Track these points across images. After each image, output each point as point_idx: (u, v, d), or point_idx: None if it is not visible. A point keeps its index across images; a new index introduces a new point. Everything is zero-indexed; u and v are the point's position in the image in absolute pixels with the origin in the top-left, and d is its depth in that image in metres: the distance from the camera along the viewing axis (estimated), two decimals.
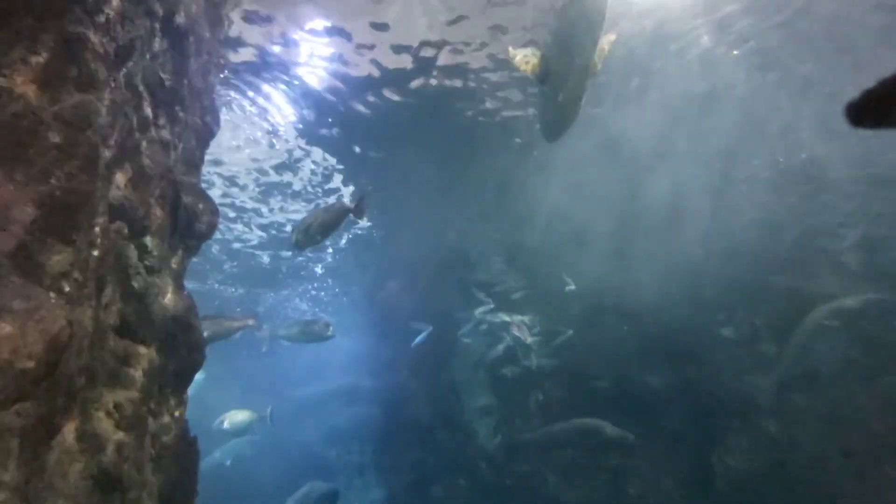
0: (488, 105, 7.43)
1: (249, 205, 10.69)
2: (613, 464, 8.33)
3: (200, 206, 4.67)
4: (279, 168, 9.33)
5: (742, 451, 7.41)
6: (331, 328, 8.91)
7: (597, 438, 8.06)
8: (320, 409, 16.31)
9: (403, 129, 7.97)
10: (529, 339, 10.05)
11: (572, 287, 9.10)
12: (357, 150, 8.68)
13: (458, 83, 7.05)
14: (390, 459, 12.12)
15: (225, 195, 10.35)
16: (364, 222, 10.12)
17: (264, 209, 10.90)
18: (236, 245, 12.69)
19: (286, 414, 17.16)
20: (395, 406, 12.40)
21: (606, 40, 5.73)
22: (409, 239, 11.44)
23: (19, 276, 1.98)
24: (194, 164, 4.89)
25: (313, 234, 5.98)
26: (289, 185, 9.89)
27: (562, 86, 3.64)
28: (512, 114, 7.63)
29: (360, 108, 7.56)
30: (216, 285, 15.52)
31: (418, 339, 10.48)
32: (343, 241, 12.65)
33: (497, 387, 10.70)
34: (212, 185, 9.84)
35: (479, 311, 11.00)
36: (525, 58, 3.60)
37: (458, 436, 10.67)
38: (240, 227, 11.75)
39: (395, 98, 7.37)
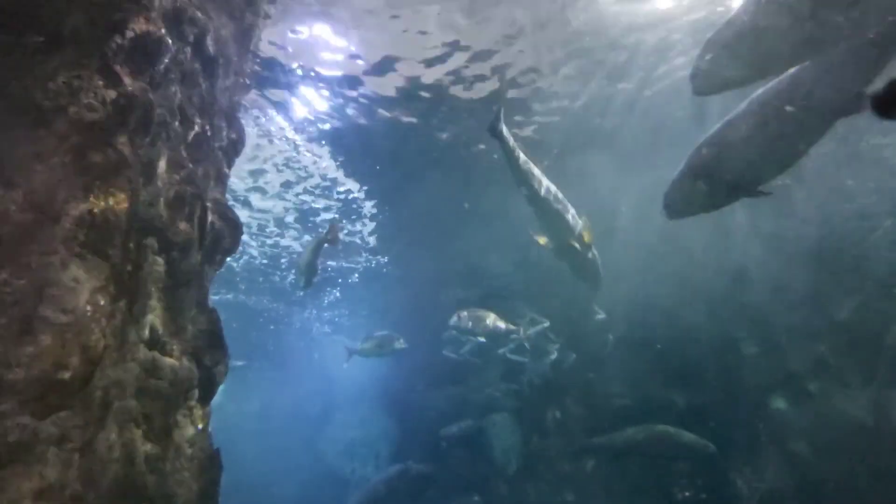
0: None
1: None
2: (632, 481, 8.11)
3: (226, 222, 4.80)
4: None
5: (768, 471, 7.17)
6: (402, 341, 9.93)
7: (673, 445, 7.70)
8: (335, 424, 16.35)
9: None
10: (552, 355, 9.96)
11: (602, 316, 8.88)
12: (375, 167, 8.87)
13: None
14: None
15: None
16: (339, 247, 10.85)
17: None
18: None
19: (305, 424, 17.22)
20: (411, 421, 12.34)
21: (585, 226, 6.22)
22: (427, 262, 11.58)
23: (58, 290, 2.08)
24: (221, 181, 5.05)
25: (304, 272, 6.86)
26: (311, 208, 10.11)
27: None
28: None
29: (374, 126, 7.73)
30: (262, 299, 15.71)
31: (465, 349, 10.55)
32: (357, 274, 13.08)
33: (514, 403, 10.59)
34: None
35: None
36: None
37: (474, 452, 10.54)
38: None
39: (411, 120, 7.54)
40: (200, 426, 3.42)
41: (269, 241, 12.34)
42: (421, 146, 8.13)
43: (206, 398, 3.60)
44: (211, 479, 3.09)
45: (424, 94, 7.02)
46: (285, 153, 8.68)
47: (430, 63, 6.53)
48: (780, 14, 2.76)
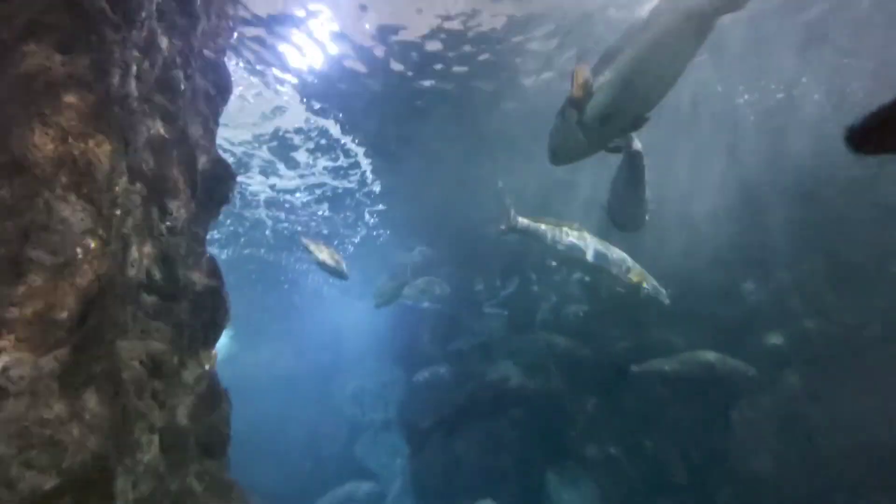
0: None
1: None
2: (632, 415, 8.44)
3: (218, 170, 4.74)
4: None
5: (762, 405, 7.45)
6: (443, 285, 10.35)
7: (720, 369, 7.64)
8: (346, 371, 16.98)
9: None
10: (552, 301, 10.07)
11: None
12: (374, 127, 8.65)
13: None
14: (412, 416, 12.63)
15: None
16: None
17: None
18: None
19: (312, 376, 17.95)
20: (417, 368, 12.77)
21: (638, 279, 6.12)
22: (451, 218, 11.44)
23: (46, 233, 2.07)
24: (208, 128, 4.93)
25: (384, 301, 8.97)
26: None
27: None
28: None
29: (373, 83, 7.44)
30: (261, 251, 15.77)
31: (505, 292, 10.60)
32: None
33: (516, 349, 10.83)
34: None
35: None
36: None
37: (481, 390, 10.87)
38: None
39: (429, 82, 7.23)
40: (207, 366, 3.54)
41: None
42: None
43: (210, 341, 3.70)
44: (221, 413, 3.23)
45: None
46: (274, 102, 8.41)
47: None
48: None
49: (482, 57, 7.12)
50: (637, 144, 4.93)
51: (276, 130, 9.17)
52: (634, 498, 8.26)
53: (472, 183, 10.08)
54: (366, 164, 10.46)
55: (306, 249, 7.84)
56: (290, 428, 15.79)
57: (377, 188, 11.58)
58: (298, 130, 9.24)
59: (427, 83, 7.70)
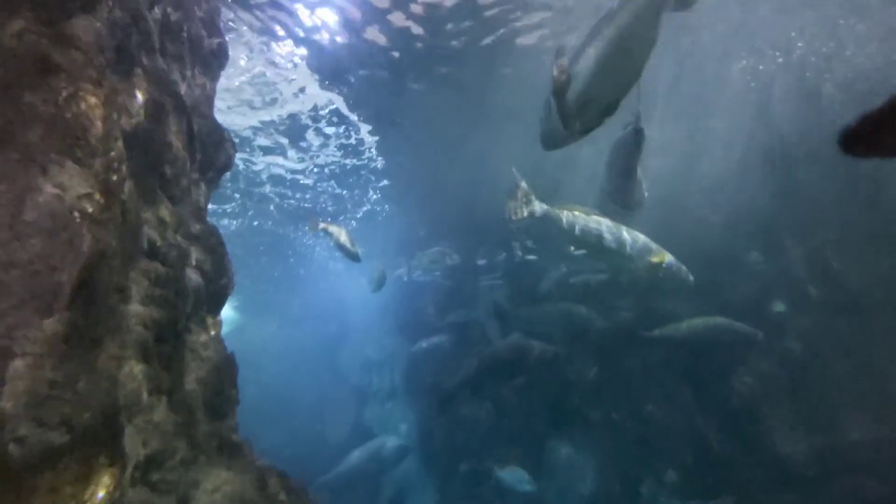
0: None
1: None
2: (635, 381, 8.57)
3: (216, 137, 4.67)
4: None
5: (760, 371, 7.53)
6: (454, 255, 10.67)
7: (730, 333, 7.68)
8: (352, 341, 17.27)
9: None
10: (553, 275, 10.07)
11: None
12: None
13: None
14: (417, 384, 12.90)
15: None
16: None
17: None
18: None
19: (320, 346, 18.29)
20: (421, 339, 12.94)
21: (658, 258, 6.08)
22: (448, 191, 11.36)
23: (42, 196, 2.06)
24: (206, 94, 4.84)
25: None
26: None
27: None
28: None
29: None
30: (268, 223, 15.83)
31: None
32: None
33: (526, 318, 10.89)
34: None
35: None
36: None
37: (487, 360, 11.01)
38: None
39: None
40: (213, 332, 3.59)
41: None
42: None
43: (215, 308, 3.74)
44: (228, 376, 3.29)
45: None
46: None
47: None
48: None
49: (488, 13, 6.88)
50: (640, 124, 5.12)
51: (284, 106, 9.07)
52: (635, 460, 8.48)
53: (474, 156, 9.96)
54: (370, 140, 10.41)
55: (326, 232, 8.44)
56: (299, 396, 16.21)
57: (381, 164, 11.55)
58: (309, 108, 9.20)
59: (435, 46, 7.50)
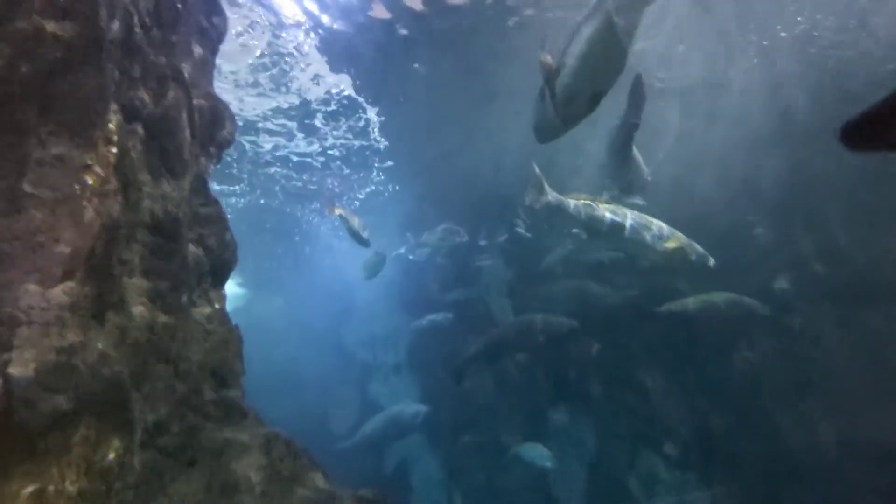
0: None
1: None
2: (636, 357, 8.65)
3: (216, 111, 4.64)
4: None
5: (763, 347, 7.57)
6: (462, 232, 10.83)
7: (740, 307, 7.68)
8: (357, 318, 17.50)
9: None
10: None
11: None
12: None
13: None
14: (420, 360, 13.10)
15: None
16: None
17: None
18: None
19: (325, 323, 18.54)
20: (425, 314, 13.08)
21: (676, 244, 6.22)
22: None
23: (41, 167, 2.07)
24: (204, 68, 4.78)
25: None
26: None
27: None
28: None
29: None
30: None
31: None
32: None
33: (513, 299, 10.96)
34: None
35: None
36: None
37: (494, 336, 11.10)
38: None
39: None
40: (217, 306, 3.64)
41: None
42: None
43: (219, 282, 3.78)
44: (234, 348, 3.35)
45: None
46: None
47: None
48: None
49: None
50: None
51: (293, 87, 9.06)
52: (635, 432, 8.64)
53: (479, 135, 9.85)
54: (375, 120, 10.42)
55: (341, 218, 8.92)
56: (305, 370, 16.54)
57: (385, 145, 11.55)
58: (318, 91, 9.21)
59: (441, 22, 7.35)
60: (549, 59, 3.43)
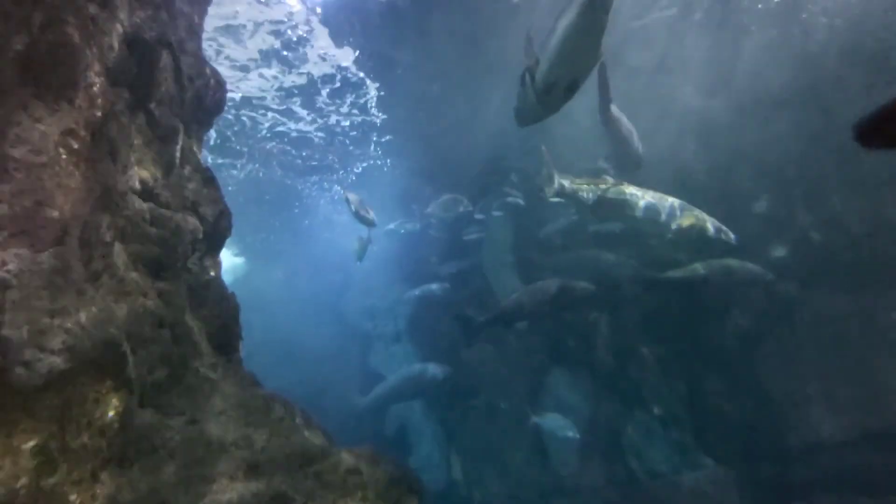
0: None
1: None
2: (632, 326, 8.77)
3: (205, 77, 4.53)
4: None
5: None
6: (466, 202, 10.90)
7: (742, 273, 7.62)
8: (357, 289, 17.64)
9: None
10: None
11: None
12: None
13: None
14: (420, 329, 13.28)
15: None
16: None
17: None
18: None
19: (326, 294, 18.71)
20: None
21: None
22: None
23: (23, 131, 2.03)
24: (193, 30, 4.63)
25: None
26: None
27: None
28: None
29: None
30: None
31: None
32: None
33: (522, 268, 10.97)
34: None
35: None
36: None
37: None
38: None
39: None
40: (213, 273, 3.66)
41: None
42: None
43: (213, 249, 3.79)
44: (231, 313, 3.39)
45: None
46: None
47: None
48: None
49: None
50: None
51: (294, 60, 8.88)
52: (629, 395, 8.85)
53: (476, 108, 9.68)
54: (374, 94, 10.26)
55: (346, 201, 9.36)
56: (306, 340, 16.79)
57: (382, 119, 11.41)
58: (322, 67, 9.16)
59: None
60: (531, 49, 3.82)
